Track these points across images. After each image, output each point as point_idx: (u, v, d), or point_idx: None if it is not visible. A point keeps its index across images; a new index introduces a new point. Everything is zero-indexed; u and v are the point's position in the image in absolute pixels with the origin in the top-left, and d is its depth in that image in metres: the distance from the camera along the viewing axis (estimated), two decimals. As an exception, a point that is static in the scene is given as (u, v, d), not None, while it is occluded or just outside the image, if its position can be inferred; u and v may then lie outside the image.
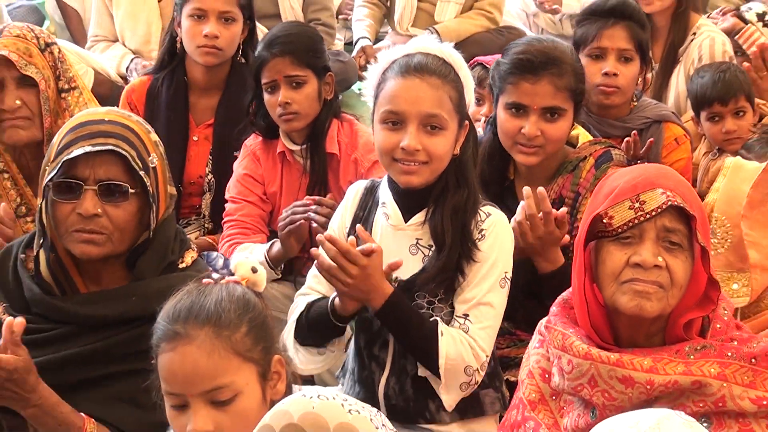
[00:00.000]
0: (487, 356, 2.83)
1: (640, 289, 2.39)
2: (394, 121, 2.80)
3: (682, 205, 2.39)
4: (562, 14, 6.79)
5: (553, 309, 2.67)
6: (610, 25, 3.94)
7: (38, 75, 3.39)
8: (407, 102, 2.78)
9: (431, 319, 2.84)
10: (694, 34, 4.74)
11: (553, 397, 2.62)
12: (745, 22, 5.82)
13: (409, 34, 6.31)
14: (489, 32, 6.33)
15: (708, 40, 4.70)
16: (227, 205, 3.89)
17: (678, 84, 4.67)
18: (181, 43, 4.14)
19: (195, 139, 4.11)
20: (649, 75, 4.27)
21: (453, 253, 2.83)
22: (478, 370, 2.81)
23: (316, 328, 2.90)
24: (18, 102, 3.38)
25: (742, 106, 4.21)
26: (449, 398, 2.85)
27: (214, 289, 2.25)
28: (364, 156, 3.80)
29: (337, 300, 2.84)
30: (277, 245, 3.60)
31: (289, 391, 2.21)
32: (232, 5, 4.08)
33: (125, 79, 5.50)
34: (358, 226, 2.88)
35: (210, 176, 4.11)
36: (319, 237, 2.77)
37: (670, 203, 2.38)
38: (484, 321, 2.82)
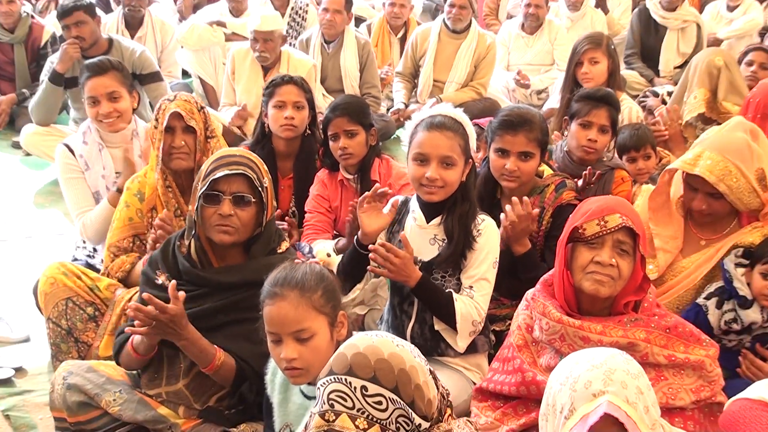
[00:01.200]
0: (484, 314, 2.93)
1: (598, 279, 2.55)
2: (422, 159, 2.91)
3: (631, 226, 2.53)
4: (531, 90, 6.95)
5: (538, 286, 2.76)
6: (598, 107, 3.90)
7: (196, 126, 3.46)
8: (431, 147, 2.89)
9: (446, 291, 2.92)
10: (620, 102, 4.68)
11: (533, 344, 2.72)
12: (656, 95, 6.00)
13: (425, 101, 6.52)
14: (473, 100, 6.46)
15: (627, 109, 4.73)
16: (306, 215, 3.92)
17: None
18: (268, 127, 4.11)
19: (282, 188, 4.12)
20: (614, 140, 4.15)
21: (459, 244, 2.91)
22: (480, 322, 2.92)
23: (349, 263, 3.06)
24: (183, 143, 3.45)
25: (649, 153, 4.22)
26: (462, 342, 2.95)
27: (302, 266, 2.35)
28: (395, 182, 3.86)
29: (360, 234, 2.98)
30: (342, 241, 3.64)
31: (349, 335, 2.26)
32: (302, 97, 4.06)
33: (241, 130, 5.66)
34: (402, 233, 2.94)
35: (293, 209, 4.12)
36: (375, 245, 2.87)
37: (623, 224, 2.52)
38: (483, 291, 2.91)
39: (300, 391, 2.41)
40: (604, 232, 2.54)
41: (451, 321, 2.91)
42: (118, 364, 2.88)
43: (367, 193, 2.99)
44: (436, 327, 2.98)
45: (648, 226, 3.22)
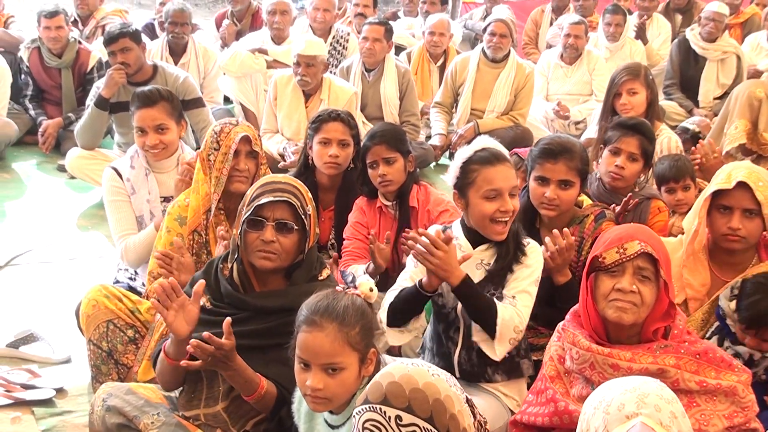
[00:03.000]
0: (525, 324, 2.88)
1: (620, 306, 2.53)
2: (495, 195, 2.90)
3: (651, 252, 2.51)
4: (570, 121, 6.98)
5: (567, 317, 2.75)
6: (628, 135, 3.88)
7: (260, 150, 3.55)
8: (503, 180, 2.90)
9: (489, 296, 2.90)
10: (657, 135, 4.65)
11: (566, 374, 2.71)
12: (687, 131, 5.94)
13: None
14: (505, 128, 6.46)
15: (666, 140, 4.67)
16: (344, 241, 3.90)
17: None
18: (312, 159, 4.11)
19: (322, 219, 4.10)
20: (650, 171, 4.15)
21: (511, 260, 2.94)
22: (521, 331, 2.86)
23: (405, 304, 2.93)
24: (246, 167, 3.48)
25: (688, 183, 4.21)
26: (501, 349, 2.87)
27: (344, 298, 2.31)
28: (434, 208, 3.81)
29: (424, 279, 2.87)
30: (372, 266, 3.60)
31: (377, 370, 2.21)
32: (347, 134, 4.04)
33: (282, 157, 5.67)
34: (447, 230, 2.94)
35: (332, 240, 4.13)
36: (417, 233, 2.88)
37: (642, 250, 2.51)
38: (525, 302, 2.89)
39: (324, 421, 2.41)
40: (624, 259, 2.53)
41: (491, 326, 2.86)
42: (156, 379, 2.89)
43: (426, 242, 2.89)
44: (474, 338, 2.95)
45: (680, 274, 3.19)
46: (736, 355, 2.87)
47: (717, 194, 3.14)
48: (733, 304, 2.94)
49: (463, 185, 2.98)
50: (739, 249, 3.16)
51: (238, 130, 3.49)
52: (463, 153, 3.01)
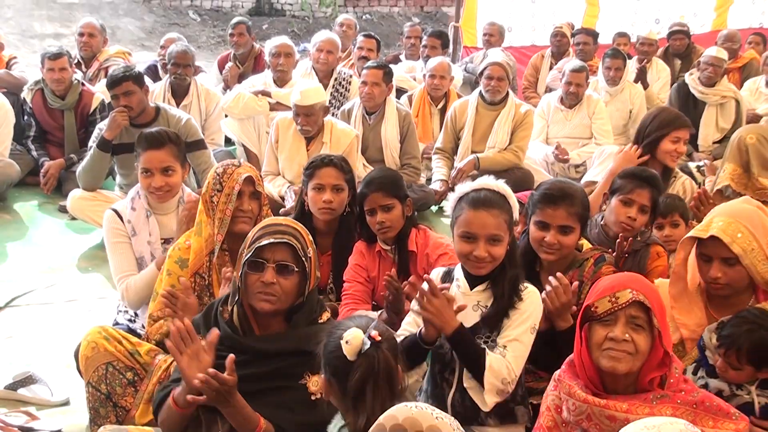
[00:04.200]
0: (516, 375, 2.86)
1: (614, 355, 2.51)
2: (469, 237, 2.92)
3: (643, 300, 2.51)
4: (570, 164, 7.03)
5: (563, 366, 2.73)
6: (642, 186, 3.87)
7: (263, 191, 3.60)
8: (478, 226, 2.91)
9: (481, 346, 2.88)
10: (675, 177, 4.80)
11: (563, 425, 2.67)
12: (687, 171, 5.97)
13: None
14: (510, 165, 6.49)
15: (687, 181, 4.79)
16: (344, 284, 3.90)
17: None
18: (308, 205, 4.14)
19: (320, 264, 3.95)
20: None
21: (506, 304, 2.92)
22: (510, 383, 2.85)
23: (407, 352, 2.88)
24: (250, 207, 3.54)
25: (677, 221, 4.21)
26: (489, 399, 2.87)
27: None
28: (433, 252, 3.82)
29: (423, 330, 2.88)
30: (384, 314, 3.55)
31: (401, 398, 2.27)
32: (341, 180, 4.07)
33: (283, 199, 5.70)
34: (445, 285, 2.96)
35: (331, 285, 4.14)
36: (415, 278, 2.90)
37: (634, 299, 2.51)
38: (516, 352, 2.87)
39: None
40: (616, 308, 2.53)
41: (480, 375, 2.87)
42: (156, 420, 2.89)
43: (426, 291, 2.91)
44: (465, 384, 2.94)
45: (672, 317, 3.18)
46: (705, 386, 2.91)
47: (699, 240, 3.15)
48: (714, 335, 2.97)
49: (452, 219, 3.03)
50: (728, 294, 3.16)
51: (241, 171, 3.54)
52: (462, 188, 3.04)
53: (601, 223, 4.07)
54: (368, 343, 2.37)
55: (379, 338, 2.38)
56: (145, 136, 4.15)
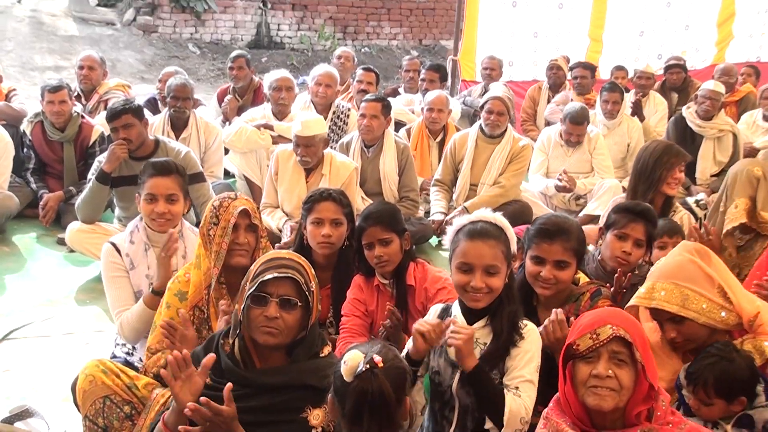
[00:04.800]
0: (530, 415, 2.85)
1: (599, 392, 2.52)
2: (466, 268, 2.95)
3: (623, 335, 2.52)
4: (573, 194, 7.04)
5: (551, 404, 2.74)
6: (636, 221, 3.90)
7: (260, 224, 3.62)
8: (475, 257, 2.94)
9: (499, 385, 2.88)
10: (674, 211, 4.82)
11: None
12: (686, 205, 5.98)
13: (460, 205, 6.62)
14: (500, 199, 6.50)
15: (685, 215, 4.81)
16: (343, 318, 3.91)
17: None
18: (307, 240, 4.15)
19: (320, 298, 4.09)
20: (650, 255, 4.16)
21: (506, 342, 2.92)
22: (527, 422, 2.85)
23: None
24: (246, 240, 3.55)
25: (677, 241, 4.21)
26: None
27: None
28: (431, 286, 3.80)
29: (410, 347, 2.94)
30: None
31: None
32: (340, 214, 4.08)
33: (281, 231, 5.69)
34: (452, 317, 2.98)
35: (331, 319, 4.14)
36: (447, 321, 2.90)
37: (615, 334, 2.52)
38: (529, 392, 2.87)
39: None
40: (598, 345, 2.54)
41: (498, 416, 2.85)
42: None
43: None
44: (486, 426, 2.93)
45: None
46: None
47: None
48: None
49: (450, 252, 3.05)
50: (696, 345, 3.16)
51: (237, 204, 3.55)
52: (460, 221, 3.08)
53: (599, 258, 4.08)
54: (363, 367, 2.40)
55: (381, 364, 2.40)
56: (152, 163, 4.20)
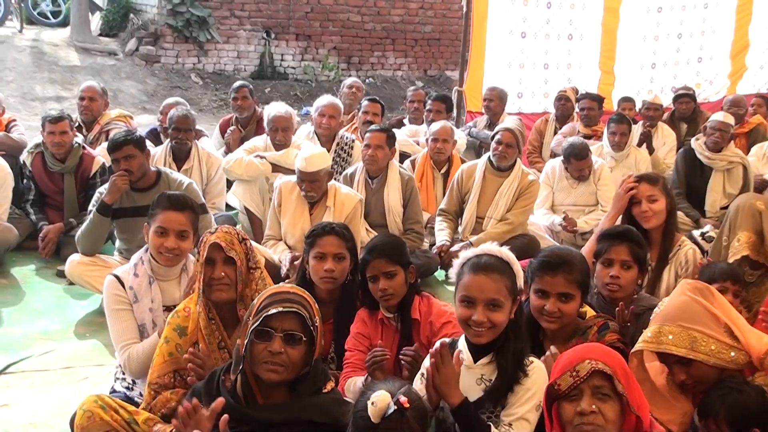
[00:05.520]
0: None
1: (586, 430, 2.55)
2: (468, 302, 2.97)
3: (603, 369, 2.55)
4: (577, 232, 7.02)
5: None
6: (616, 243, 3.94)
7: (236, 256, 3.56)
8: (477, 290, 2.96)
9: (486, 423, 2.90)
10: (680, 246, 4.69)
11: None
12: (691, 238, 5.97)
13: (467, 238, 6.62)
14: (508, 233, 6.49)
15: (691, 251, 4.67)
16: (346, 353, 3.93)
17: (669, 278, 4.63)
18: (309, 274, 4.16)
19: (323, 332, 4.13)
20: (646, 277, 4.24)
21: (511, 379, 2.94)
22: None
23: None
24: (222, 274, 3.55)
25: (739, 289, 4.32)
26: None
27: None
28: (436, 320, 3.83)
29: (425, 395, 2.90)
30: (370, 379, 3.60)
31: None
32: (343, 248, 4.11)
33: (281, 262, 5.68)
34: (457, 351, 3.00)
35: (332, 354, 4.16)
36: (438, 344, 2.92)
37: (594, 368, 2.55)
38: (523, 430, 2.88)
39: None
40: (579, 382, 2.57)
41: None
42: None
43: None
44: None
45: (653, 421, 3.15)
46: None
47: None
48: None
49: (455, 285, 3.08)
50: (706, 386, 3.16)
51: (212, 238, 3.60)
52: (465, 254, 3.11)
53: (595, 291, 4.09)
54: (393, 408, 2.42)
55: (408, 405, 2.42)
56: (168, 196, 4.23)
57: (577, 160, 7.16)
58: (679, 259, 4.67)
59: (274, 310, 2.81)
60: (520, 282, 3.07)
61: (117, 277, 4.16)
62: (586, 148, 7.22)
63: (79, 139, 7.15)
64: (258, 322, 2.81)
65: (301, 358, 2.84)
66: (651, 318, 3.33)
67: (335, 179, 6.47)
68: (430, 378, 2.93)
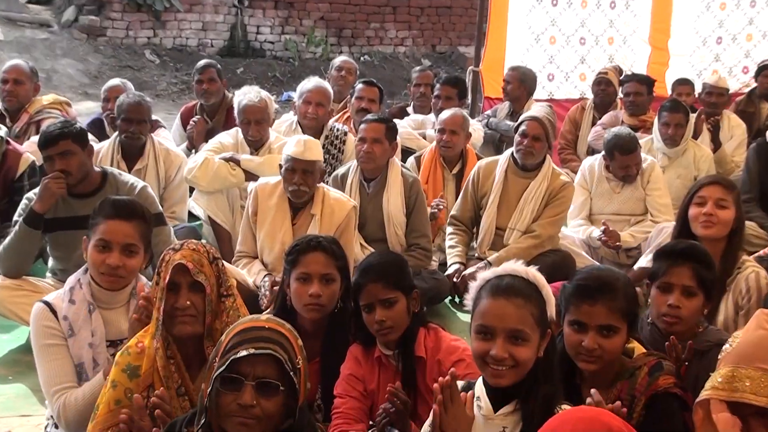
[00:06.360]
0: None
1: None
2: (486, 333, 2.94)
3: None
4: (620, 247, 6.92)
5: None
6: (678, 264, 3.90)
7: (206, 281, 3.53)
8: (496, 318, 2.92)
9: None
10: (739, 268, 4.67)
11: None
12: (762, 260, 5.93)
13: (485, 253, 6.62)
14: (535, 248, 6.47)
15: (753, 274, 4.63)
16: (336, 400, 3.90)
17: (727, 309, 4.61)
18: (290, 300, 4.16)
19: (307, 374, 4.12)
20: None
21: (536, 429, 2.84)
22: None
23: None
24: (188, 302, 3.52)
25: None
26: None
27: None
28: (446, 358, 3.82)
29: None
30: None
31: None
32: (332, 268, 4.12)
33: (258, 289, 5.66)
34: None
35: (319, 401, 4.15)
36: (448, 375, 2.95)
37: None
38: None
39: None
40: None
41: None
42: None
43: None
44: None
45: None
46: None
47: None
48: None
49: (471, 314, 3.06)
50: None
51: (176, 257, 3.58)
52: (484, 275, 3.10)
53: (650, 321, 4.09)
54: None
55: None
56: (112, 201, 4.21)
57: (623, 154, 7.06)
58: (738, 286, 4.66)
59: (243, 352, 2.78)
60: (551, 311, 3.05)
61: (48, 304, 4.13)
62: (634, 140, 7.14)
63: (1, 131, 7.03)
64: (224, 367, 2.79)
65: (277, 410, 2.81)
66: (720, 357, 3.28)
67: (324, 181, 6.41)
68: (436, 421, 2.93)
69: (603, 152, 7.30)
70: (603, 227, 6.90)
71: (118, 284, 4.12)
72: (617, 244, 6.88)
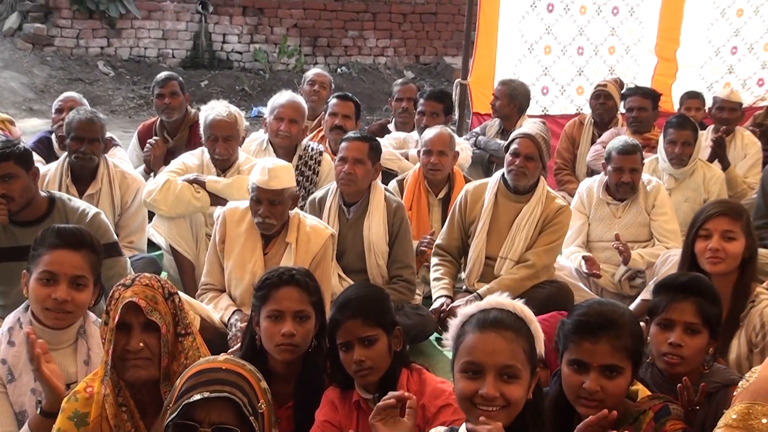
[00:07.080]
0: None
1: None
2: (474, 371, 2.90)
3: None
4: (626, 273, 6.94)
5: None
6: (679, 299, 3.91)
7: (161, 320, 3.53)
8: (486, 354, 2.89)
9: None
10: (753, 301, 4.68)
11: None
12: None
13: (473, 286, 6.57)
14: (539, 285, 6.43)
15: (766, 308, 4.63)
16: (310, 453, 3.91)
17: (739, 346, 4.64)
18: (260, 340, 4.18)
19: (278, 420, 3.92)
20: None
21: None
22: None
23: None
24: (141, 345, 3.51)
25: None
26: None
27: None
28: (430, 402, 3.83)
29: None
30: None
31: None
32: (306, 304, 4.14)
33: (226, 326, 5.60)
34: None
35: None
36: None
37: None
38: None
39: None
40: None
41: None
42: None
43: (381, 403, 3.00)
44: None
45: None
46: None
47: None
48: None
49: (453, 352, 3.04)
50: None
51: (127, 294, 3.57)
52: (467, 310, 3.07)
53: (650, 361, 4.09)
54: None
55: None
56: (57, 230, 4.19)
57: (621, 154, 7.01)
58: (752, 321, 4.67)
59: (197, 396, 2.76)
60: (540, 347, 3.04)
61: (-15, 346, 4.12)
62: (636, 147, 7.11)
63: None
64: (177, 413, 2.77)
65: None
66: (735, 394, 3.28)
67: (298, 206, 6.37)
68: None
69: (603, 172, 7.29)
70: (585, 256, 6.93)
71: (64, 321, 4.10)
72: (596, 272, 6.88)
